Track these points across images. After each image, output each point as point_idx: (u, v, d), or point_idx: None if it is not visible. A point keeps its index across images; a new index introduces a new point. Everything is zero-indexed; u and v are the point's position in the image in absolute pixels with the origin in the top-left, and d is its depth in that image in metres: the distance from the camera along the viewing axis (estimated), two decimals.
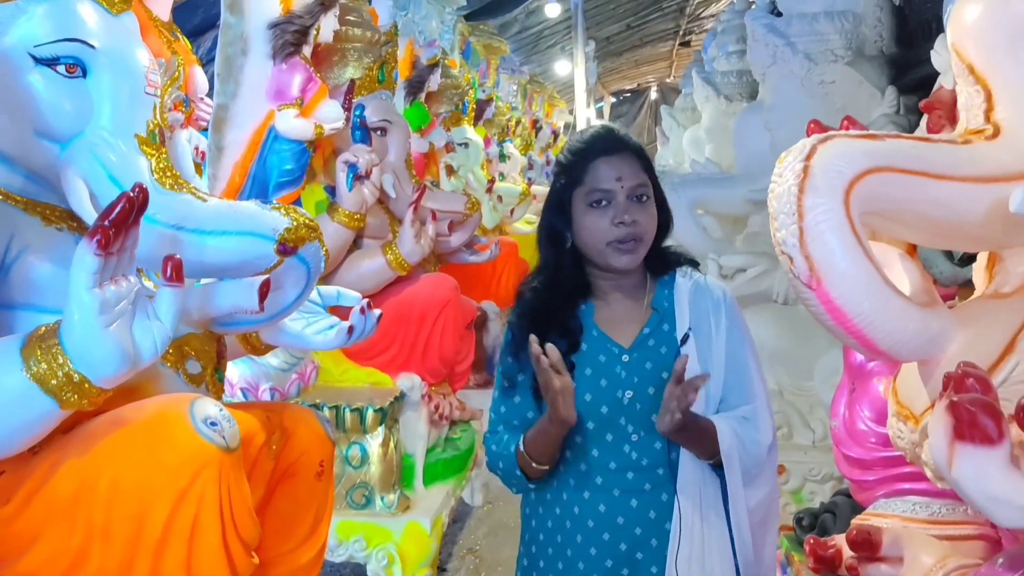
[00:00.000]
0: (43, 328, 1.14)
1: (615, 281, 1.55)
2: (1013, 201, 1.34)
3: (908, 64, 3.61)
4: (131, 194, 1.10)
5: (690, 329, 1.49)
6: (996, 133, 1.50)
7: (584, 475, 1.50)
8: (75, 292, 1.08)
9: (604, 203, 1.48)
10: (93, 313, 1.08)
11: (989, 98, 1.53)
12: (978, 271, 1.72)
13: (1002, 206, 1.37)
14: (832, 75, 3.69)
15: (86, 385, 1.12)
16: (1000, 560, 1.33)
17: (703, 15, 11.67)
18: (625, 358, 1.49)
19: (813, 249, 1.41)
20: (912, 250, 1.99)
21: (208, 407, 1.26)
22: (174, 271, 1.18)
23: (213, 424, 1.24)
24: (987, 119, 1.52)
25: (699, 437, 1.44)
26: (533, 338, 1.41)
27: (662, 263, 1.57)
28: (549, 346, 1.39)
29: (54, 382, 1.11)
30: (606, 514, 1.48)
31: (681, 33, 12.66)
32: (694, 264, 1.60)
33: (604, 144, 1.51)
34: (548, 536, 1.54)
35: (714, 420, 1.45)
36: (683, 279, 1.56)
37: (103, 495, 1.21)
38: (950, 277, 1.96)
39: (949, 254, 1.98)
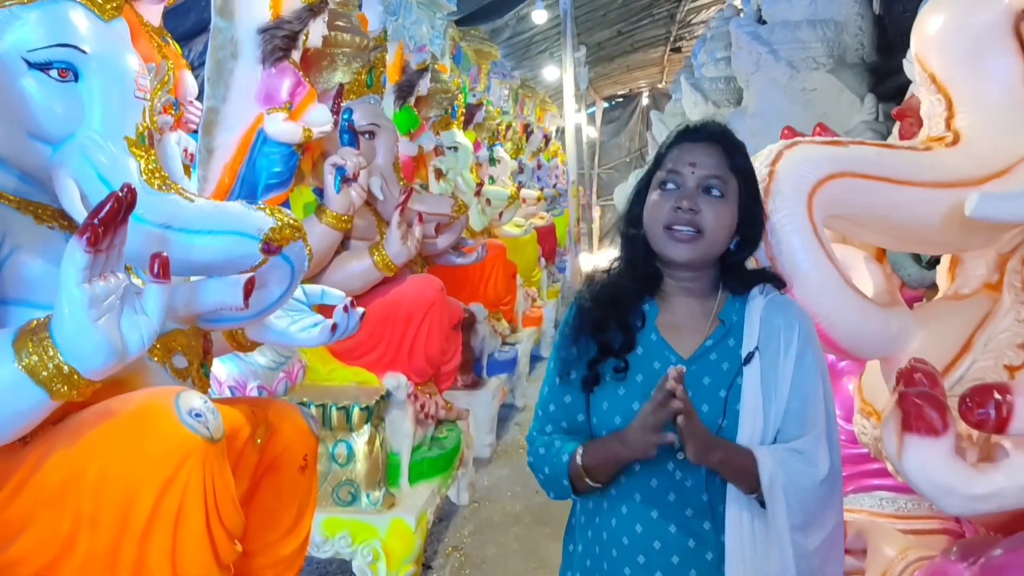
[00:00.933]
0: (34, 322, 1.18)
1: (683, 283, 1.44)
2: (968, 205, 1.40)
3: (887, 72, 3.68)
4: (120, 194, 1.15)
5: (757, 348, 1.37)
6: (956, 140, 1.56)
7: (624, 489, 1.40)
8: (65, 287, 1.13)
9: (672, 187, 1.40)
10: (82, 307, 1.13)
11: (950, 106, 1.59)
12: (941, 273, 1.78)
13: (960, 210, 1.44)
14: (814, 82, 3.77)
15: (75, 377, 1.16)
16: (954, 550, 1.39)
17: (693, 21, 11.74)
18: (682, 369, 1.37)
19: (778, 250, 1.48)
20: (881, 254, 2.05)
21: (193, 399, 1.31)
22: (161, 268, 1.22)
23: (198, 415, 1.29)
24: (948, 126, 1.59)
25: (739, 464, 1.32)
26: (677, 371, 1.26)
27: (739, 281, 1.45)
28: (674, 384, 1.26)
29: (45, 373, 1.15)
30: (643, 535, 1.38)
31: (672, 39, 12.72)
32: (779, 283, 1.46)
33: (692, 131, 1.45)
34: (587, 546, 1.47)
35: (755, 451, 1.32)
36: (759, 294, 1.43)
37: (91, 484, 1.26)
38: (918, 279, 2.02)
39: (918, 257, 2.03)
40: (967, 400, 1.10)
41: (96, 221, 1.12)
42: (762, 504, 1.33)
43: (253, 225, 1.47)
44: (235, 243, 1.46)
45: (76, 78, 1.39)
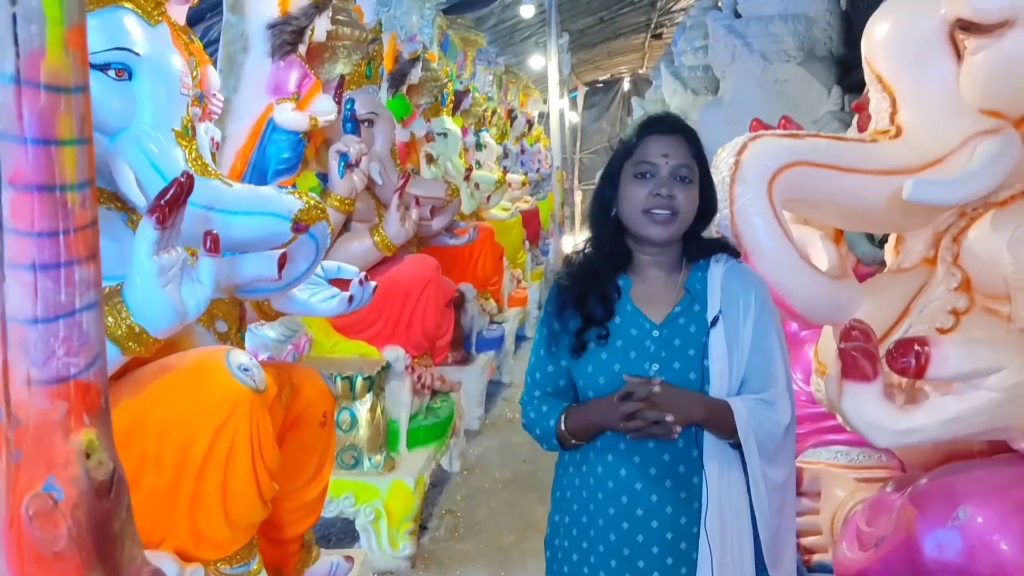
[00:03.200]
0: (108, 289, 1.38)
1: (653, 257, 1.60)
2: (905, 190, 1.64)
3: (854, 64, 3.91)
4: (181, 180, 1.35)
5: (720, 312, 1.53)
6: (898, 133, 1.79)
7: (610, 439, 1.56)
8: (138, 259, 1.33)
9: (648, 176, 1.54)
10: (153, 276, 1.33)
11: (893, 103, 1.82)
12: (888, 250, 2.02)
13: (900, 194, 1.67)
14: (785, 74, 3.99)
15: (145, 336, 1.36)
16: (890, 484, 1.63)
17: (673, 9, 11.93)
18: (656, 333, 1.55)
19: (742, 229, 1.70)
20: (839, 234, 2.28)
21: (241, 356, 1.52)
22: (213, 244, 1.43)
23: (246, 370, 1.50)
24: (892, 121, 1.82)
25: (719, 418, 1.48)
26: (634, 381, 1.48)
27: (698, 250, 1.61)
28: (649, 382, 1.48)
29: (119, 333, 1.35)
30: (626, 478, 1.53)
31: (652, 26, 12.91)
32: (734, 252, 1.64)
33: (659, 124, 1.59)
34: (574, 493, 1.61)
35: (731, 402, 1.48)
36: (717, 264, 1.59)
37: (155, 428, 1.46)
38: (871, 257, 2.24)
39: (871, 237, 2.26)
40: (892, 351, 1.33)
41: (163, 203, 1.32)
42: (735, 447, 1.50)
43: (284, 207, 1.67)
44: (269, 223, 1.66)
45: (130, 77, 1.58)
